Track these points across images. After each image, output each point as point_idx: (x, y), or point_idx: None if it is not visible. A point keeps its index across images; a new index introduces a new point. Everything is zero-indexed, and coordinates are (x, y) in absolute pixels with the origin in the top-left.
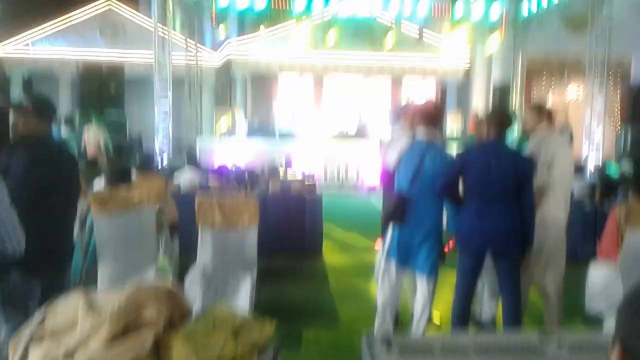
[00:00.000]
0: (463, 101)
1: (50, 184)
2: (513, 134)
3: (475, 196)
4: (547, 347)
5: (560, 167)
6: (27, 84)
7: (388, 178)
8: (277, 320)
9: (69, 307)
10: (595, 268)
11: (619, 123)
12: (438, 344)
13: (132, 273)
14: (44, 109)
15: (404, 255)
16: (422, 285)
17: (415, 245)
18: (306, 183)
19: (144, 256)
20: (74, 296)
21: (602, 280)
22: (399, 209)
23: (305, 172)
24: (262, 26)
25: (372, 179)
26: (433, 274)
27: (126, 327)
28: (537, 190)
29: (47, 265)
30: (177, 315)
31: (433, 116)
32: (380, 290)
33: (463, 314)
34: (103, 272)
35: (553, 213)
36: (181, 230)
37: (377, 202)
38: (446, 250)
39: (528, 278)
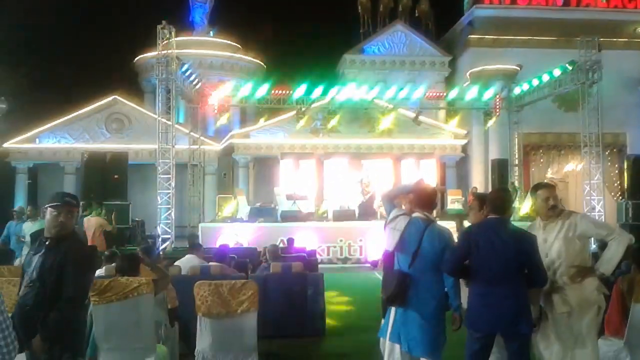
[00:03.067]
0: (462, 178)
1: (75, 277)
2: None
3: (481, 276)
4: None
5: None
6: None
7: (389, 258)
8: None
9: None
10: (604, 343)
11: (619, 195)
12: None
13: None
14: (77, 204)
15: (408, 339)
16: None
17: (418, 326)
18: (308, 262)
19: (143, 344)
20: None
21: (612, 356)
22: (400, 289)
23: (307, 250)
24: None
25: (375, 253)
26: (438, 356)
27: None
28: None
29: (65, 353)
30: None
31: (428, 199)
32: None
33: None
34: None
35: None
36: (181, 315)
37: (380, 275)
38: (454, 329)
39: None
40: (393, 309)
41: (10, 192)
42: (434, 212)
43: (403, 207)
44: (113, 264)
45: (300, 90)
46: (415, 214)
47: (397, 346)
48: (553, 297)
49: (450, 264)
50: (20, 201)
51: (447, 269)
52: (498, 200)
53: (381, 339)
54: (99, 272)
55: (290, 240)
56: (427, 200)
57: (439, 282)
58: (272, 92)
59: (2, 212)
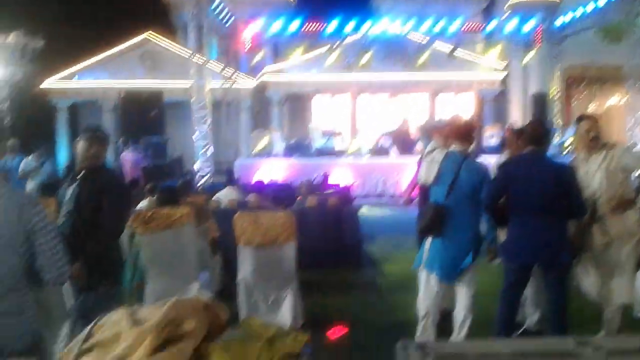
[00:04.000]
0: (500, 113)
1: (111, 207)
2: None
3: (520, 209)
4: (583, 351)
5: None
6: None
7: (423, 192)
8: (318, 331)
9: (114, 322)
10: None
11: None
12: (474, 349)
13: (177, 288)
14: (106, 138)
15: (443, 267)
16: (461, 296)
17: (454, 257)
18: (343, 196)
19: (187, 272)
20: (119, 312)
21: None
22: (436, 221)
23: (342, 186)
24: (296, 50)
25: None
26: (472, 285)
27: (167, 338)
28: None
29: (104, 280)
30: (214, 327)
31: (465, 132)
32: (420, 301)
33: (507, 325)
34: (150, 287)
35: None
36: (222, 246)
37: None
38: (488, 261)
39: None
40: (429, 240)
41: (52, 131)
42: (471, 146)
43: (439, 141)
44: (154, 197)
45: (333, 25)
46: (452, 147)
47: (433, 275)
48: (593, 228)
49: (488, 198)
50: (62, 139)
51: (485, 203)
52: (536, 132)
53: (418, 269)
54: (141, 205)
55: (325, 176)
56: (464, 133)
57: (474, 214)
58: (305, 27)
59: (45, 149)
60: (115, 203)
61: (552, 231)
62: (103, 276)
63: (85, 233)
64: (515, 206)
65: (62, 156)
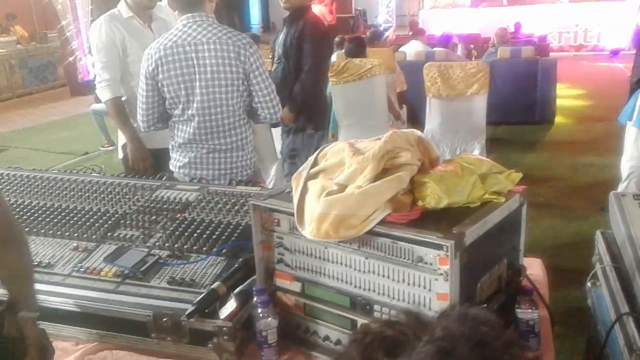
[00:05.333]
0: None
1: (309, 52)
2: None
3: None
4: None
5: None
6: None
7: None
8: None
9: (336, 151)
10: None
11: None
12: None
13: (368, 136)
14: None
15: None
16: None
17: None
18: (538, 46)
19: (377, 122)
20: (340, 143)
21: None
22: None
23: (536, 36)
24: None
25: (617, 40)
26: None
27: (386, 168)
28: None
29: (312, 121)
30: (427, 160)
31: None
32: (624, 160)
33: None
34: (342, 137)
35: None
36: (410, 99)
37: (621, 65)
38: None
39: None
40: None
41: None
42: None
43: None
44: (342, 50)
45: None
46: None
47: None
48: None
49: None
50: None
51: None
52: None
53: (624, 124)
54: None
55: (518, 25)
56: None
57: None
58: None
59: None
60: (315, 44)
61: None
62: (308, 120)
63: (293, 76)
64: None
65: None
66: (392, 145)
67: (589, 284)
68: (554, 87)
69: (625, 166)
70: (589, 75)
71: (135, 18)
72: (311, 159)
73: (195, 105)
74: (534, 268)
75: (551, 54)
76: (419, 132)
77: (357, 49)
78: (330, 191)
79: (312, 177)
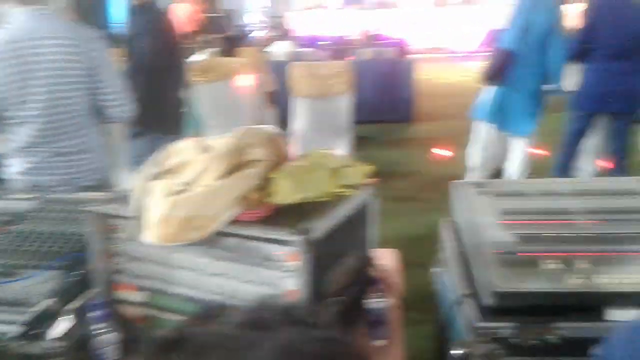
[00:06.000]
0: None
1: (157, 47)
2: None
3: (602, 52)
4: None
5: None
6: None
7: (496, 37)
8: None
9: (182, 149)
10: None
11: None
12: (533, 188)
13: None
14: None
15: (503, 117)
16: (518, 147)
17: (516, 106)
18: (400, 49)
19: (243, 123)
20: (186, 141)
21: None
22: (501, 67)
23: (398, 39)
24: None
25: (471, 44)
26: (531, 136)
27: (235, 165)
28: None
29: (160, 125)
30: (279, 157)
31: None
32: (472, 152)
33: (565, 172)
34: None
35: None
36: (279, 99)
37: (474, 66)
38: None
39: None
40: (492, 90)
41: None
42: None
43: None
44: (210, 49)
45: None
46: None
47: (492, 126)
48: None
49: (575, 46)
50: None
51: (571, 52)
52: None
53: (475, 121)
54: (197, 56)
55: (381, 28)
56: None
57: (542, 63)
58: None
59: None
60: (153, 43)
61: (633, 76)
62: (154, 123)
63: (136, 74)
64: (596, 50)
65: None
66: (242, 142)
67: (435, 269)
68: (412, 86)
69: (473, 158)
70: (446, 75)
71: None
72: (153, 158)
73: (34, 105)
74: (387, 259)
75: (410, 55)
76: (271, 128)
77: (230, 47)
78: (175, 191)
79: (154, 177)
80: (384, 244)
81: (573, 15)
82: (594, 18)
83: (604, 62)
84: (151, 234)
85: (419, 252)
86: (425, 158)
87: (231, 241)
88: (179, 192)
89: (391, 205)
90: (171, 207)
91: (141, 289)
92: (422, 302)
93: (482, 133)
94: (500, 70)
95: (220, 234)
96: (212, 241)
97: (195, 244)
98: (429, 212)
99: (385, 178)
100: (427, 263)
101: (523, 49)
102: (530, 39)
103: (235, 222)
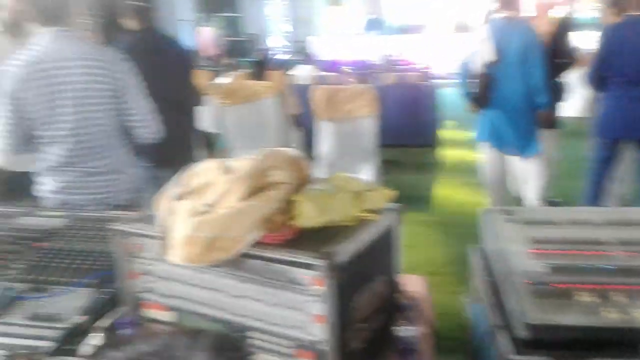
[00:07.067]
0: None
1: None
2: None
3: (619, 79)
4: None
5: None
6: None
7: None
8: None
9: (206, 170)
10: None
11: None
12: (564, 216)
13: None
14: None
15: (499, 137)
16: (531, 170)
17: (507, 125)
18: (422, 73)
19: (269, 145)
20: (210, 161)
21: None
22: (483, 90)
23: (421, 64)
24: None
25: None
26: (528, 153)
27: (257, 187)
28: None
29: (172, 156)
30: (302, 179)
31: None
32: (480, 175)
33: (595, 201)
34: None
35: None
36: (304, 122)
37: None
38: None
39: None
40: (483, 111)
41: None
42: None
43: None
44: (235, 72)
45: None
46: (497, 17)
47: (488, 144)
48: None
49: (591, 72)
50: None
51: (588, 79)
52: None
53: (479, 143)
54: (222, 78)
55: (403, 53)
56: None
57: (522, 80)
58: None
59: None
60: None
61: None
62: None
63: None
64: (613, 77)
65: None
66: (265, 164)
67: (465, 297)
68: (435, 111)
69: (484, 180)
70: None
71: None
72: (178, 178)
73: (62, 125)
74: (415, 285)
75: (433, 80)
76: (294, 151)
77: (257, 71)
78: (199, 212)
79: (179, 197)
80: (411, 270)
81: (543, 30)
82: (606, 47)
83: (622, 89)
84: (176, 254)
85: (447, 279)
86: (451, 183)
87: (256, 263)
88: (202, 213)
89: (417, 230)
90: (195, 227)
91: (170, 308)
92: (453, 331)
93: (485, 155)
94: (484, 94)
95: (245, 256)
96: (237, 263)
97: (220, 265)
98: (458, 237)
99: (411, 203)
100: (456, 290)
101: (501, 70)
102: (507, 60)
103: (259, 244)
